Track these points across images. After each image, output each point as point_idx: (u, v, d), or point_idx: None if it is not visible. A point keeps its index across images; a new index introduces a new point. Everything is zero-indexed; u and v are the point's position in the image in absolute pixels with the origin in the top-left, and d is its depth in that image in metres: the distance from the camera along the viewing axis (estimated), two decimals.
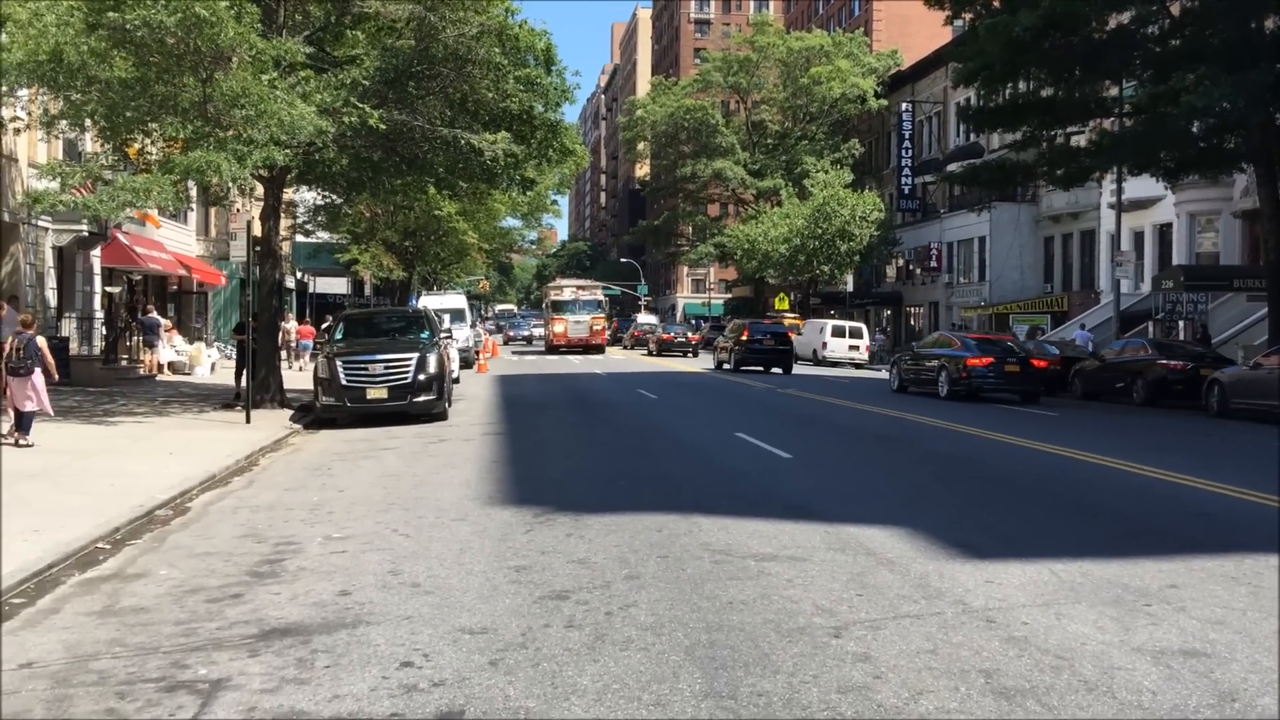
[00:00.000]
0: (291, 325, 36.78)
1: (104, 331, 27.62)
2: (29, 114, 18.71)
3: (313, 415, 18.92)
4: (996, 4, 26.93)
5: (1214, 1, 24.02)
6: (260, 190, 22.29)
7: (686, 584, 7.08)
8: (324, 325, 35.97)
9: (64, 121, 17.44)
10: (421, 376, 18.33)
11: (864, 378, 36.94)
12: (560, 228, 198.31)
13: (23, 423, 13.67)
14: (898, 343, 54.48)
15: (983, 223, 50.98)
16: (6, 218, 22.41)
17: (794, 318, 58.17)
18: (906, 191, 60.30)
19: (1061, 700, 4.96)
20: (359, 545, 8.42)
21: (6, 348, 13.80)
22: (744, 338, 39.20)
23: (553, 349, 55.87)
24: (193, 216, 38.27)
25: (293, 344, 35.79)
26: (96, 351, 26.30)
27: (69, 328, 25.87)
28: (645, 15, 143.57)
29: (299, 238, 44.89)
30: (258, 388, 19.29)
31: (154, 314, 29.64)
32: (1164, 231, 40.21)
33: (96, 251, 27.67)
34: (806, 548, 8.18)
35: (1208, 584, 7.16)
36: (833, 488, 11.49)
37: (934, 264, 55.96)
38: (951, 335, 29.29)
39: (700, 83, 75.09)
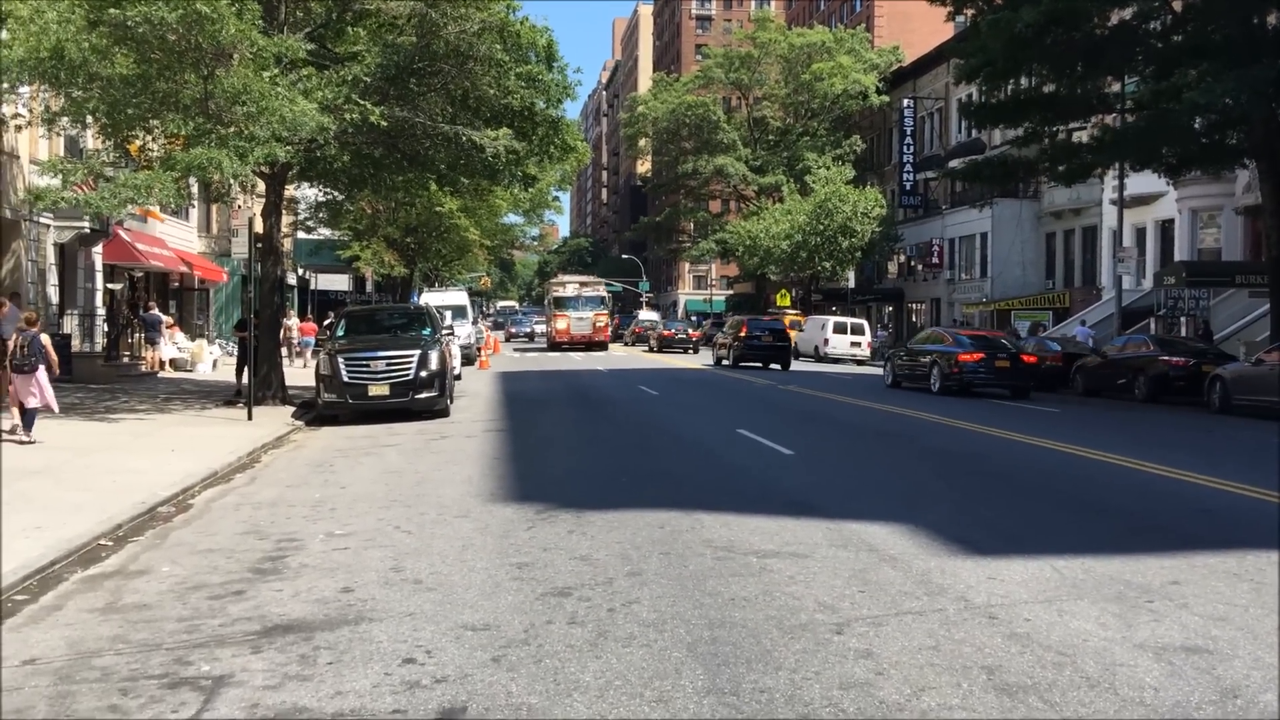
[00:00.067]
0: (293, 322, 36.78)
1: (106, 328, 27.63)
2: (30, 111, 18.71)
3: (315, 412, 18.93)
4: (998, 0, 26.91)
5: None
6: (262, 187, 22.29)
7: (689, 580, 7.08)
8: (326, 322, 36.03)
9: (65, 118, 17.46)
10: (423, 373, 18.34)
11: (865, 374, 36.94)
12: (562, 224, 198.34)
13: (26, 419, 13.71)
14: (899, 339, 54.45)
15: (984, 219, 50.94)
16: (8, 214, 22.42)
17: (796, 314, 58.16)
18: (908, 188, 60.27)
19: (1064, 697, 4.96)
20: (361, 542, 8.43)
21: (10, 345, 13.81)
22: (742, 334, 39.31)
23: (555, 346, 55.10)
24: (194, 213, 38.27)
25: (294, 341, 35.80)
26: (98, 348, 26.30)
27: (71, 325, 25.88)
28: (647, 11, 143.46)
29: (300, 234, 44.89)
30: (259, 384, 19.29)
31: (156, 311, 29.64)
32: (1166, 227, 40.17)
33: (98, 248, 27.68)
34: (808, 544, 8.18)
35: (1210, 580, 7.16)
36: (834, 484, 11.49)
37: (936, 260, 55.93)
38: (944, 331, 29.79)
39: (702, 79, 75.04)
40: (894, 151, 63.18)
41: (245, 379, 18.97)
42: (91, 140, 22.71)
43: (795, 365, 42.56)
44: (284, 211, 24.96)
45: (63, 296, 25.97)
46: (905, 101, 60.58)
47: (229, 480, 11.99)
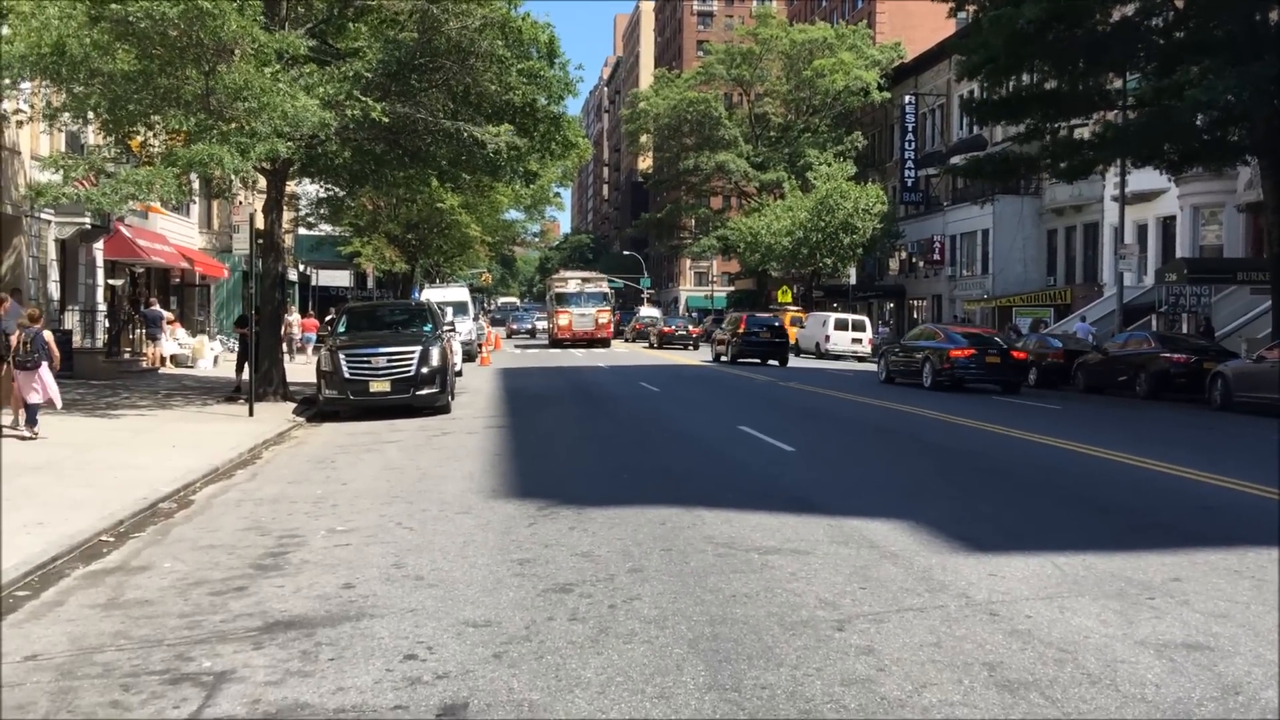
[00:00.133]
0: (295, 318, 36.78)
1: (107, 324, 27.61)
2: (32, 107, 18.71)
3: (315, 408, 18.94)
4: None
5: None
6: (263, 183, 22.29)
7: (690, 577, 7.08)
8: (327, 318, 36.03)
9: (66, 114, 17.45)
10: (424, 369, 18.34)
11: (866, 370, 36.92)
12: (563, 220, 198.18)
13: (29, 414, 13.76)
14: (900, 336, 54.45)
15: (986, 215, 50.89)
16: (9, 210, 22.42)
17: (797, 311, 58.13)
18: (909, 184, 60.23)
19: (1065, 693, 4.97)
20: (362, 538, 8.43)
21: (13, 342, 13.84)
22: (740, 330, 39.53)
23: (556, 343, 54.45)
24: (195, 209, 38.25)
25: (296, 337, 35.81)
26: (99, 344, 26.30)
27: (72, 320, 25.88)
28: (648, 8, 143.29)
29: (301, 230, 44.92)
30: (260, 380, 19.29)
31: (156, 307, 29.67)
32: (1167, 224, 40.13)
33: (99, 244, 27.68)
34: (810, 541, 8.18)
35: (1211, 577, 7.15)
36: (835, 480, 11.50)
37: (937, 257, 55.90)
38: (936, 328, 30.21)
39: (703, 75, 74.96)
40: (895, 148, 63.13)
41: (246, 375, 18.98)
42: (93, 136, 22.71)
43: (796, 362, 42.63)
44: (285, 207, 24.98)
45: (64, 292, 25.98)
46: (907, 98, 60.51)
47: (230, 476, 12.00)
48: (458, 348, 25.79)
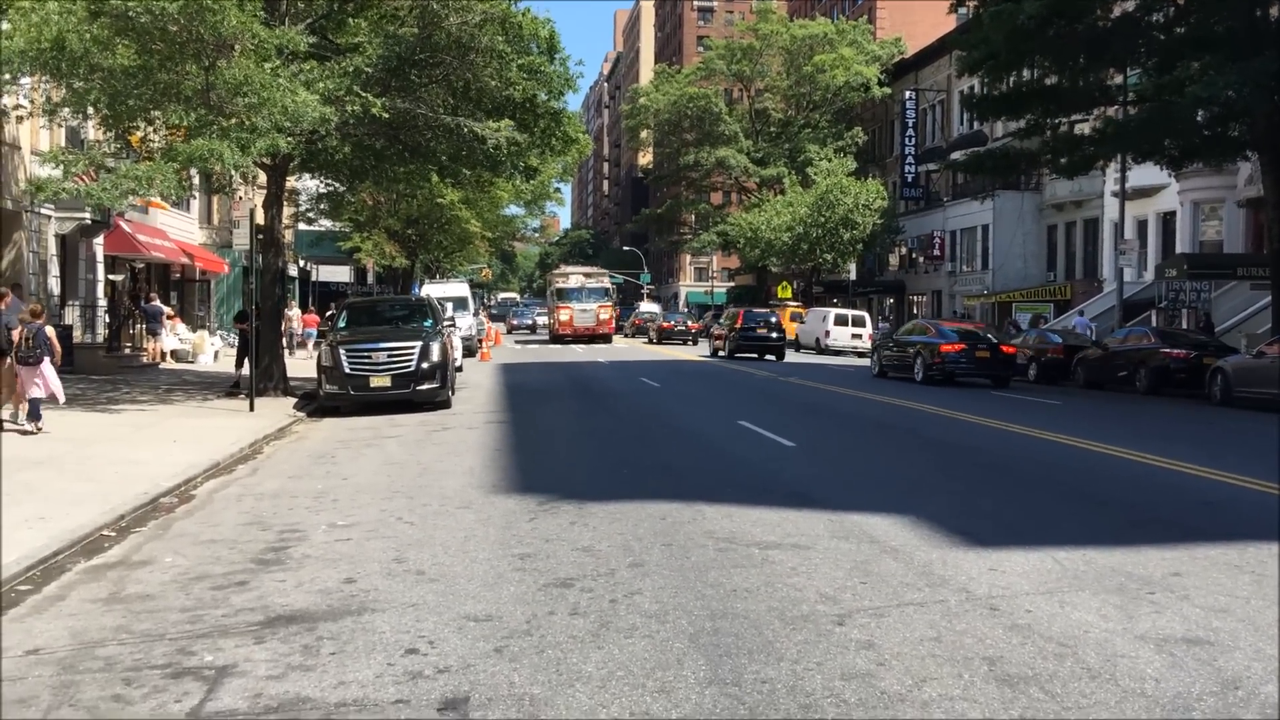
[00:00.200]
0: (295, 313, 36.79)
1: (107, 319, 27.62)
2: (31, 102, 18.69)
3: (316, 403, 18.95)
4: None
5: None
6: (263, 178, 22.30)
7: (690, 572, 7.09)
8: (328, 314, 36.05)
9: (66, 109, 17.44)
10: (425, 365, 18.34)
11: (865, 366, 36.83)
12: (563, 216, 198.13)
13: (32, 410, 13.79)
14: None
15: (986, 211, 50.89)
16: (10, 205, 22.41)
17: (797, 306, 58.14)
18: (910, 180, 60.20)
19: (1065, 688, 4.97)
20: (363, 533, 8.44)
21: (15, 337, 13.86)
22: (738, 326, 39.78)
23: (557, 339, 54.15)
24: (195, 204, 38.23)
25: (297, 332, 35.82)
26: (100, 339, 26.30)
27: (72, 316, 25.87)
28: (648, 3, 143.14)
29: (301, 226, 44.94)
30: (261, 376, 19.30)
31: (157, 302, 29.66)
32: (1167, 220, 40.12)
33: (99, 239, 27.67)
34: (810, 536, 8.19)
35: (1211, 572, 7.16)
36: (835, 476, 11.51)
37: (937, 252, 55.89)
38: (927, 323, 30.77)
39: (703, 70, 74.92)
40: (896, 143, 63.09)
41: (245, 370, 18.99)
42: (93, 131, 22.69)
43: (796, 357, 42.73)
44: (285, 203, 24.98)
45: (64, 287, 25.98)
46: (907, 93, 60.49)
47: (231, 471, 12.01)
48: (458, 343, 25.80)
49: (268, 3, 17.23)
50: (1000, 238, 50.34)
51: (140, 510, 9.39)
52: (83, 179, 16.72)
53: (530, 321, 79.38)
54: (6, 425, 13.86)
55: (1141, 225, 40.93)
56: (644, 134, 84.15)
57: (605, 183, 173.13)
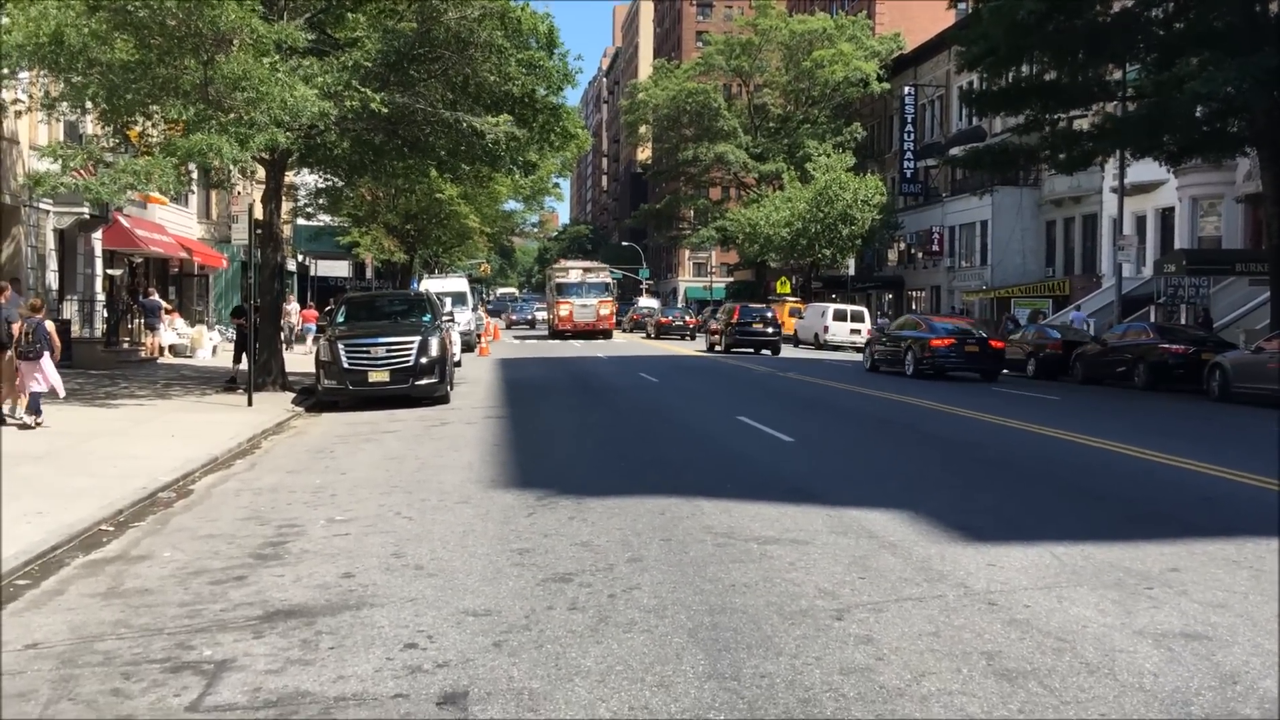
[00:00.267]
0: (293, 308, 36.77)
1: (105, 314, 27.63)
2: (30, 96, 18.67)
3: (314, 398, 18.95)
4: None
5: None
6: (261, 173, 22.27)
7: (689, 567, 7.09)
8: (327, 309, 36.03)
9: (65, 104, 17.42)
10: (423, 360, 18.34)
11: (860, 361, 36.93)
12: (562, 211, 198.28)
13: (32, 404, 13.80)
14: None
15: (985, 206, 50.87)
16: (8, 200, 22.40)
17: (796, 302, 58.12)
18: (908, 175, 60.16)
19: (1063, 682, 4.98)
20: (362, 528, 8.44)
21: (16, 332, 13.86)
22: (734, 321, 40.11)
23: (557, 334, 53.62)
24: (194, 199, 38.21)
25: (295, 327, 35.80)
26: (98, 334, 26.30)
27: (70, 310, 25.87)
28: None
29: (300, 221, 44.84)
30: (259, 370, 19.30)
31: (155, 297, 29.64)
32: (1166, 215, 40.12)
33: (98, 234, 27.67)
34: (809, 531, 8.20)
35: (1209, 567, 7.17)
36: (834, 471, 11.51)
37: (936, 248, 55.85)
38: (918, 318, 31.43)
39: (702, 66, 74.76)
40: (895, 139, 63.05)
41: (243, 365, 18.98)
42: (91, 126, 22.67)
43: (794, 352, 42.77)
44: (284, 198, 24.94)
45: (62, 282, 25.96)
46: (906, 89, 60.43)
47: (229, 466, 12.01)
48: (457, 338, 25.80)
49: None
50: (999, 233, 50.32)
51: (138, 505, 9.39)
52: (81, 174, 16.71)
53: (529, 317, 79.20)
54: (7, 420, 13.86)
55: (1140, 221, 40.93)
56: (643, 129, 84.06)
57: (604, 178, 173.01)
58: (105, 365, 23.73)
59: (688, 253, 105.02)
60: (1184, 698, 4.82)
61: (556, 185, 51.00)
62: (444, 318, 21.29)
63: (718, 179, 78.32)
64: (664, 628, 5.76)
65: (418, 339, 18.47)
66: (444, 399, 19.03)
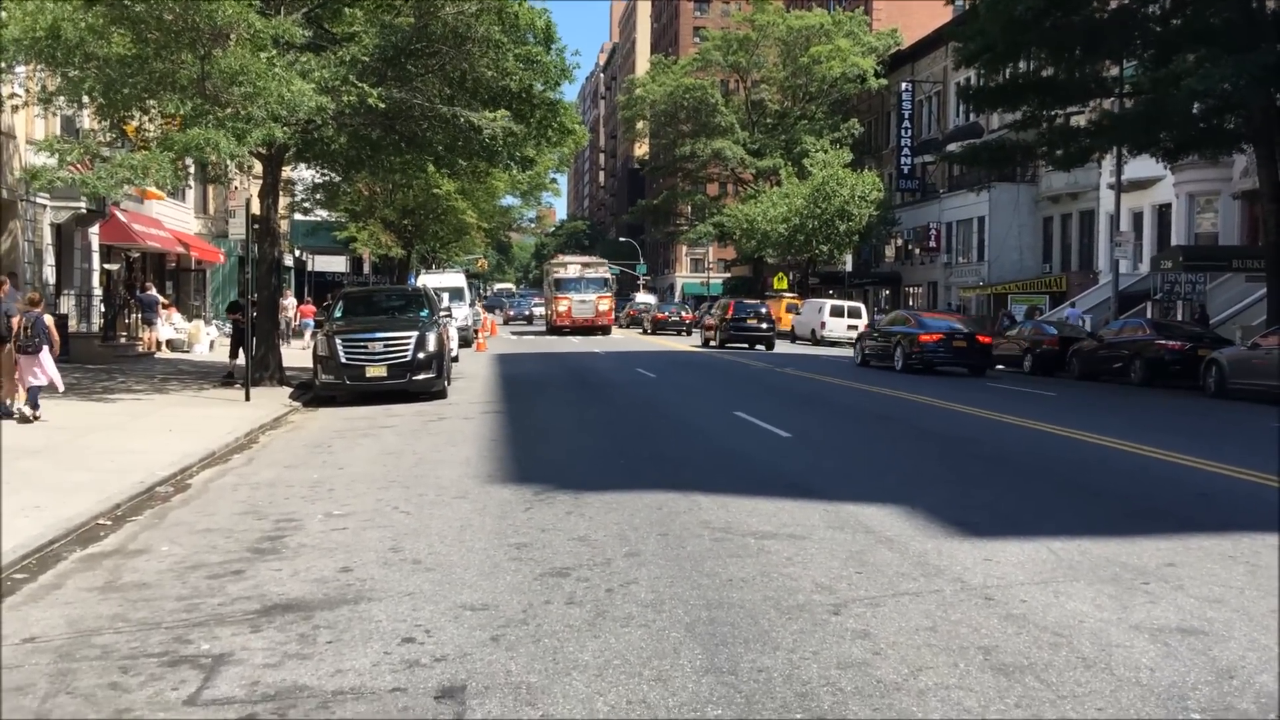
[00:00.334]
0: (290, 303, 36.73)
1: (102, 309, 27.61)
2: (26, 90, 18.64)
3: (312, 393, 18.93)
4: None
5: None
6: (259, 168, 22.24)
7: (686, 561, 7.10)
8: (325, 304, 36.03)
9: (61, 98, 17.38)
10: (421, 355, 18.33)
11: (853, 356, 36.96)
12: (559, 206, 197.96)
13: (31, 398, 13.81)
14: None
15: (982, 203, 50.88)
16: (4, 194, 22.36)
17: (793, 297, 58.12)
18: (906, 171, 60.16)
19: (1060, 677, 4.99)
20: (359, 522, 8.44)
21: (15, 326, 13.85)
22: (728, 316, 40.37)
23: (555, 330, 52.83)
24: (191, 194, 38.18)
25: (293, 322, 35.78)
26: (95, 329, 26.28)
27: (67, 305, 25.84)
28: None
29: (297, 216, 44.80)
30: (257, 365, 19.28)
31: (152, 291, 29.62)
32: (1163, 212, 40.15)
33: (95, 229, 27.62)
34: (806, 526, 8.21)
35: (1205, 563, 7.19)
36: (831, 466, 11.52)
37: (933, 244, 55.87)
38: (908, 314, 31.85)
39: (699, 62, 74.70)
40: (892, 135, 63.05)
41: (240, 360, 18.97)
42: (88, 120, 22.64)
43: (791, 348, 42.84)
44: (281, 193, 24.92)
45: (59, 277, 25.93)
46: (903, 85, 60.42)
47: (227, 461, 12.01)
48: (454, 333, 25.77)
49: None
50: (996, 230, 50.34)
51: (136, 499, 9.39)
52: (78, 168, 16.69)
53: (527, 312, 78.99)
54: (12, 412, 13.87)
55: (1137, 217, 40.97)
56: (640, 125, 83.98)
57: (601, 174, 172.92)
58: (102, 360, 23.71)
59: (685, 248, 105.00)
60: (1180, 692, 4.83)
61: (554, 181, 50.99)
62: (441, 313, 21.28)
63: (715, 175, 78.27)
64: (661, 622, 5.77)
65: (415, 334, 18.46)
66: (441, 394, 19.03)
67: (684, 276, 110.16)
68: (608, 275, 55.34)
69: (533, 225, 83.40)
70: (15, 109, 20.02)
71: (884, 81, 63.51)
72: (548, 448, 12.99)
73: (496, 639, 5.50)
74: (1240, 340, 24.88)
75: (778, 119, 72.12)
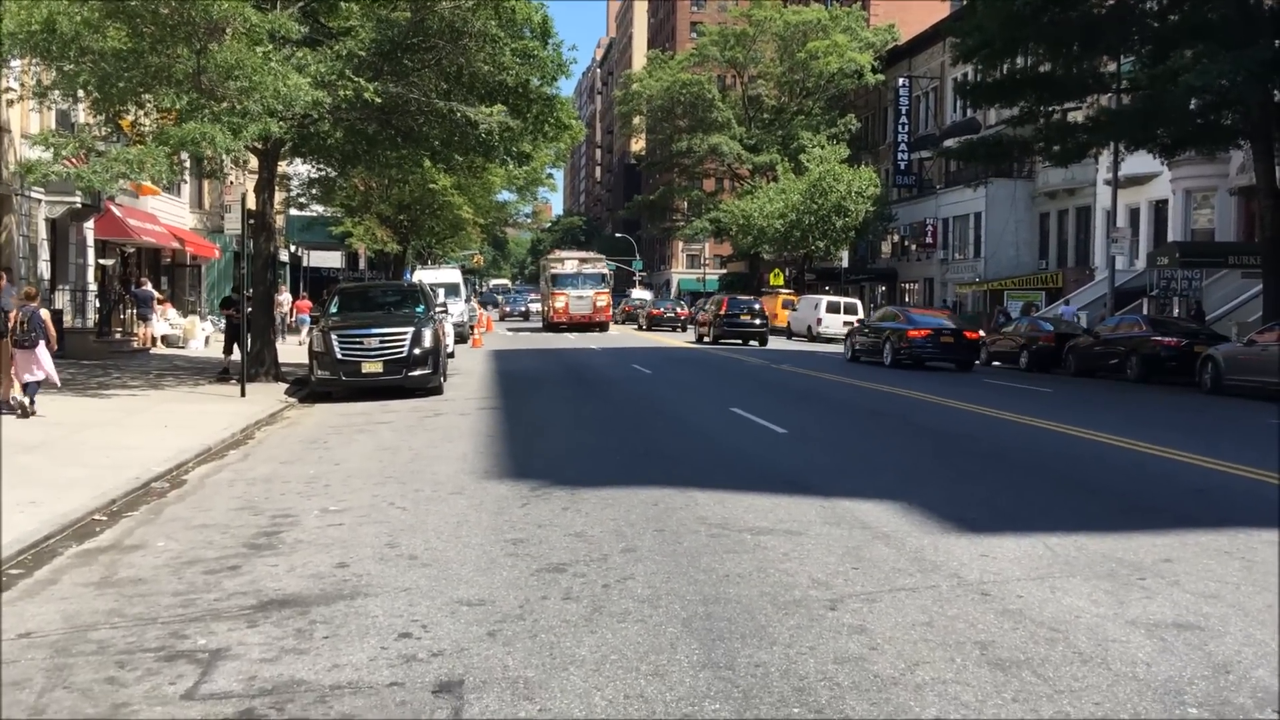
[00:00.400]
0: (285, 298, 36.69)
1: (97, 304, 27.56)
2: (21, 85, 18.60)
3: (308, 389, 18.90)
4: None
5: None
6: (254, 163, 22.21)
7: (683, 557, 7.10)
8: (321, 299, 36.00)
9: (56, 92, 17.34)
10: (417, 350, 18.31)
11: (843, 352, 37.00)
12: (555, 202, 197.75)
13: (28, 393, 13.79)
14: None
15: (978, 199, 50.92)
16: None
17: (789, 294, 58.14)
18: (903, 167, 60.19)
19: (1056, 671, 5.00)
20: (356, 518, 8.44)
21: (11, 321, 13.82)
22: (722, 312, 40.87)
23: (552, 327, 51.87)
24: (186, 189, 38.10)
25: (289, 318, 35.74)
26: (90, 324, 26.24)
27: (62, 300, 25.79)
28: None
29: (293, 211, 44.78)
30: (252, 361, 19.26)
31: (147, 287, 29.59)
32: (1160, 208, 40.20)
33: (90, 224, 27.57)
34: (802, 521, 8.21)
35: (1201, 558, 7.19)
36: (827, 462, 11.53)
37: (929, 240, 55.92)
38: (897, 310, 32.35)
39: (696, 57, 74.67)
40: (889, 131, 63.07)
41: (235, 356, 18.94)
42: (83, 114, 22.59)
43: (786, 344, 42.90)
44: (277, 188, 24.89)
45: (54, 272, 25.88)
46: (900, 80, 60.43)
47: (223, 457, 11.99)
48: (450, 329, 25.75)
49: None
50: (993, 225, 50.38)
51: (132, 495, 9.37)
52: (73, 162, 16.65)
53: (523, 308, 78.75)
54: (5, 410, 13.85)
55: (1134, 213, 41.00)
56: (636, 120, 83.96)
57: (598, 169, 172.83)
58: (98, 355, 23.68)
59: (681, 244, 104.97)
60: (1177, 687, 4.83)
61: (550, 176, 50.97)
62: (437, 309, 21.25)
63: (711, 170, 78.24)
64: (658, 617, 5.77)
65: (411, 330, 18.44)
66: (437, 390, 19.01)
67: (680, 272, 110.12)
68: (605, 271, 54.56)
69: (529, 221, 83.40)
70: (10, 103, 20.00)
71: (881, 77, 63.54)
72: (544, 444, 12.99)
73: (493, 634, 5.50)
74: (1236, 337, 24.92)
75: (774, 114, 72.11)
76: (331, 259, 55.03)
